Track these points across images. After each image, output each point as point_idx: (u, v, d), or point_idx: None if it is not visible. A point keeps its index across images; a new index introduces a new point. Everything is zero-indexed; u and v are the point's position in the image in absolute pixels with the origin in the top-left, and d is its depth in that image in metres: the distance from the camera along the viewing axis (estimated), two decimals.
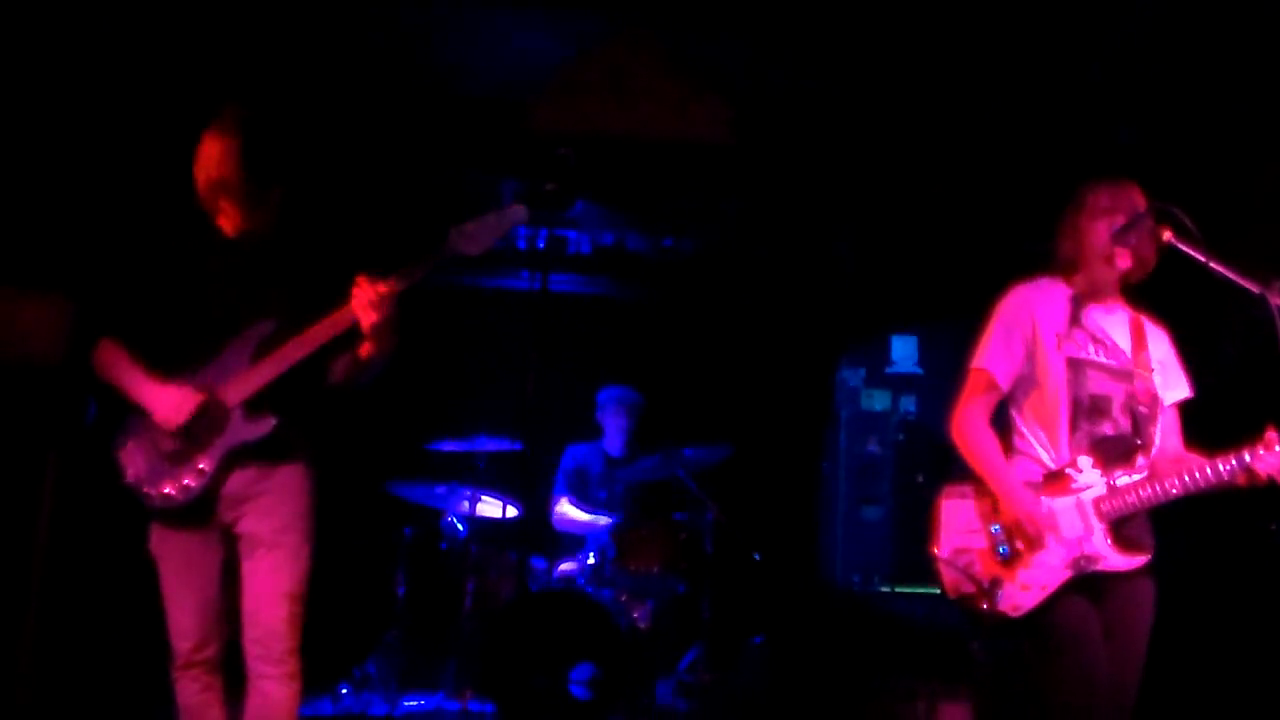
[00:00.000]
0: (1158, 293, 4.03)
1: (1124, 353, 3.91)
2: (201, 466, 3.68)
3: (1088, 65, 6.20)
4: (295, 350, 3.71)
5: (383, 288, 3.66)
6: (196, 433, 3.68)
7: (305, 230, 3.94)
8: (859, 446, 8.47)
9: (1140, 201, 3.83)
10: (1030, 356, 3.90)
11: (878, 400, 8.64)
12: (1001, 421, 3.99)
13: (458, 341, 7.78)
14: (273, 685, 3.70)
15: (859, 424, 8.53)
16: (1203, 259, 3.52)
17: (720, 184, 7.41)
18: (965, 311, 4.28)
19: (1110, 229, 3.81)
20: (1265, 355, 3.36)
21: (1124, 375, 3.87)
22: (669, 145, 6.86)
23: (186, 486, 3.67)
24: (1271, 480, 3.61)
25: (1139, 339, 3.95)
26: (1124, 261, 3.84)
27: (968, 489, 3.93)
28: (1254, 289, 3.44)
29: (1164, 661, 3.91)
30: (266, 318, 3.76)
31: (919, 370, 8.64)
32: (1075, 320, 3.90)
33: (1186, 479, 3.69)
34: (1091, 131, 6.60)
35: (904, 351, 8.67)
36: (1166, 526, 3.95)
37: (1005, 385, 3.93)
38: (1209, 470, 3.68)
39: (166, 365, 3.74)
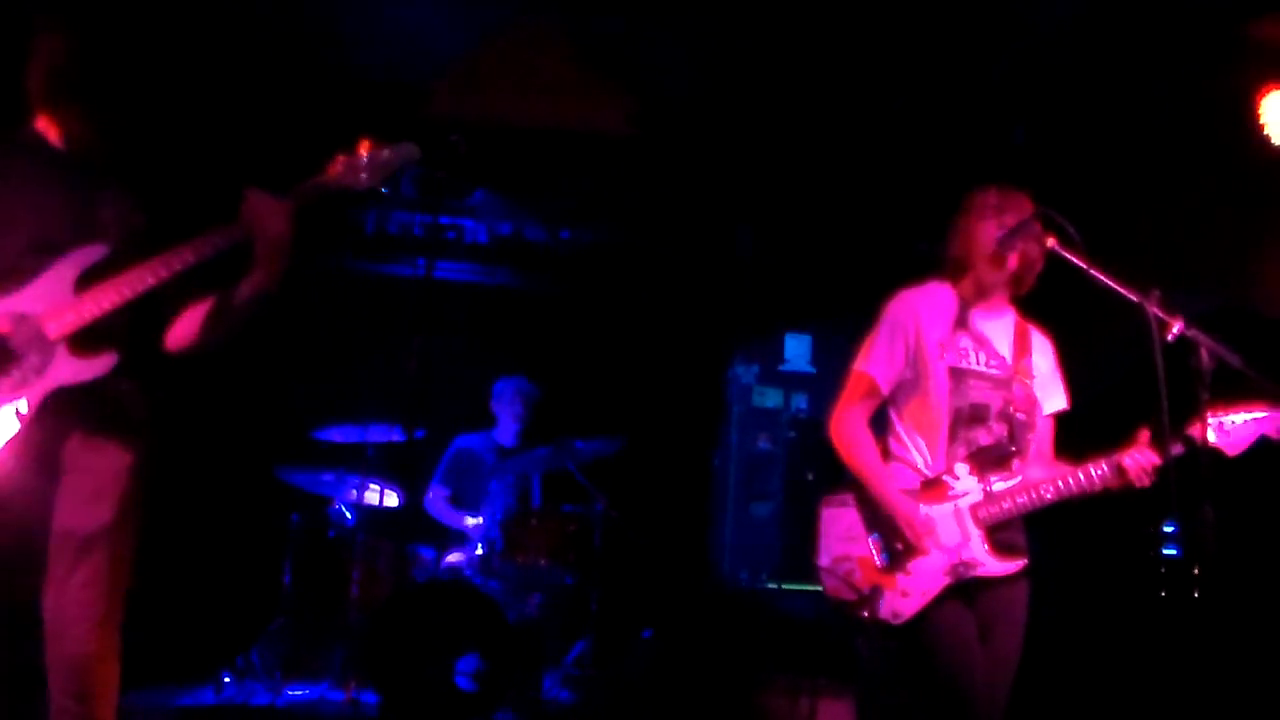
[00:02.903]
0: (1046, 300, 4.10)
1: (1005, 359, 3.95)
2: (16, 409, 3.02)
3: (989, 67, 6.28)
4: (149, 273, 3.11)
5: (285, 203, 3.23)
6: (5, 369, 3.04)
7: (154, 159, 3.42)
8: (750, 443, 8.54)
9: (1029, 208, 3.85)
10: (913, 363, 3.92)
11: (770, 398, 8.69)
12: (880, 424, 4.01)
13: (350, 328, 7.69)
14: None
15: (750, 421, 8.59)
16: (1084, 266, 3.59)
17: (620, 176, 7.41)
18: (859, 311, 4.31)
19: (998, 231, 3.85)
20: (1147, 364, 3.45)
21: (1003, 383, 3.91)
22: (569, 135, 6.86)
23: None
24: (1136, 480, 3.69)
25: (1022, 345, 3.99)
26: (1010, 263, 3.89)
27: (848, 497, 3.95)
28: (1133, 297, 3.51)
29: (1042, 662, 3.98)
30: (97, 241, 3.18)
31: (811, 369, 8.71)
32: (960, 324, 3.94)
33: (1060, 485, 3.77)
34: (987, 132, 6.69)
35: (797, 350, 8.74)
36: (1048, 529, 4.03)
37: (886, 389, 3.95)
38: (1082, 475, 3.76)
39: None
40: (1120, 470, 3.71)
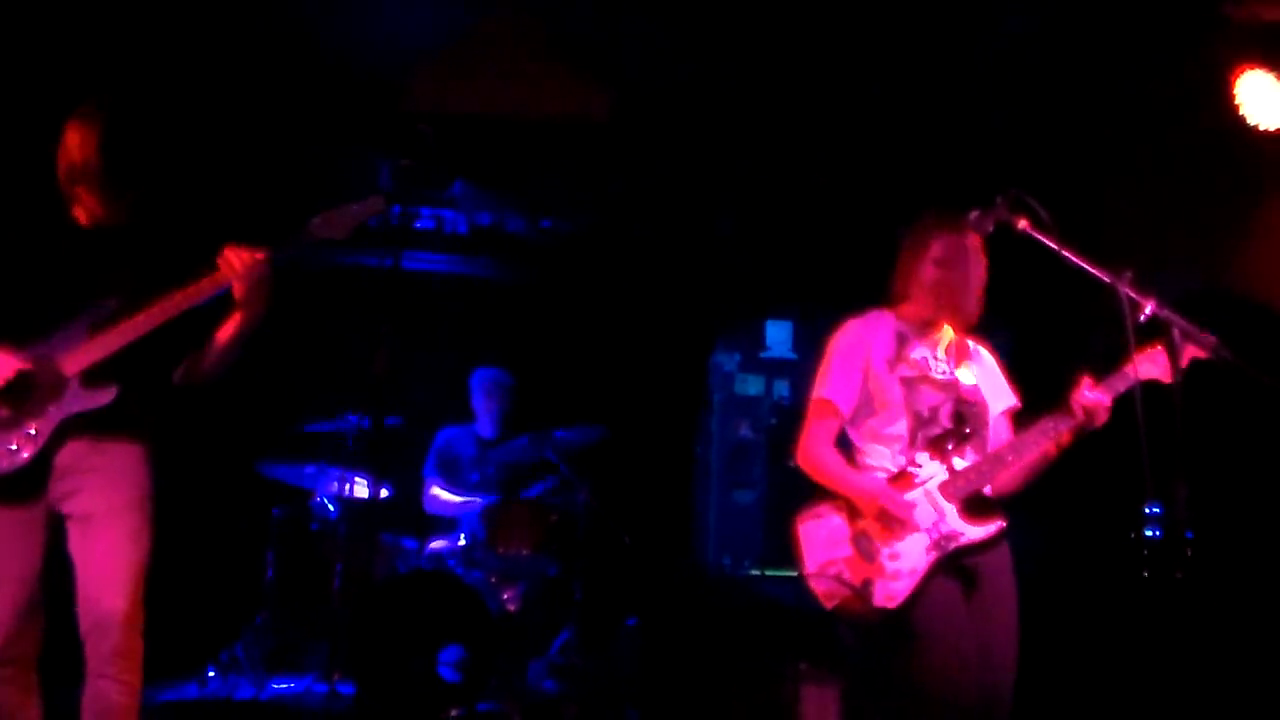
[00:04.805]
0: (1031, 282, 4.13)
1: (946, 368, 4.09)
2: (32, 431, 3.52)
3: (968, 50, 6.28)
4: (146, 320, 3.59)
5: (259, 254, 3.63)
6: (28, 399, 3.52)
7: (162, 219, 3.85)
8: (732, 430, 8.54)
9: (973, 242, 4.00)
10: (867, 382, 4.05)
11: (751, 385, 8.69)
12: (845, 451, 4.11)
13: (329, 320, 7.65)
14: (108, 686, 3.51)
15: (732, 408, 8.59)
16: (1056, 248, 3.60)
17: (598, 165, 7.39)
18: (840, 296, 4.36)
19: (936, 264, 4.02)
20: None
21: (950, 385, 4.05)
22: (547, 125, 6.83)
23: (14, 453, 3.51)
24: (1087, 418, 3.80)
25: (961, 355, 4.14)
26: (947, 295, 4.05)
27: (821, 508, 4.01)
28: (1105, 279, 3.52)
29: (1027, 648, 4.00)
30: (110, 297, 3.64)
31: (793, 355, 8.71)
32: (900, 355, 4.06)
33: (1018, 445, 3.92)
34: (967, 116, 6.69)
35: (778, 336, 8.73)
36: (1029, 514, 4.07)
37: (846, 411, 4.07)
38: (1037, 432, 3.89)
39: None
40: (1070, 411, 3.81)
